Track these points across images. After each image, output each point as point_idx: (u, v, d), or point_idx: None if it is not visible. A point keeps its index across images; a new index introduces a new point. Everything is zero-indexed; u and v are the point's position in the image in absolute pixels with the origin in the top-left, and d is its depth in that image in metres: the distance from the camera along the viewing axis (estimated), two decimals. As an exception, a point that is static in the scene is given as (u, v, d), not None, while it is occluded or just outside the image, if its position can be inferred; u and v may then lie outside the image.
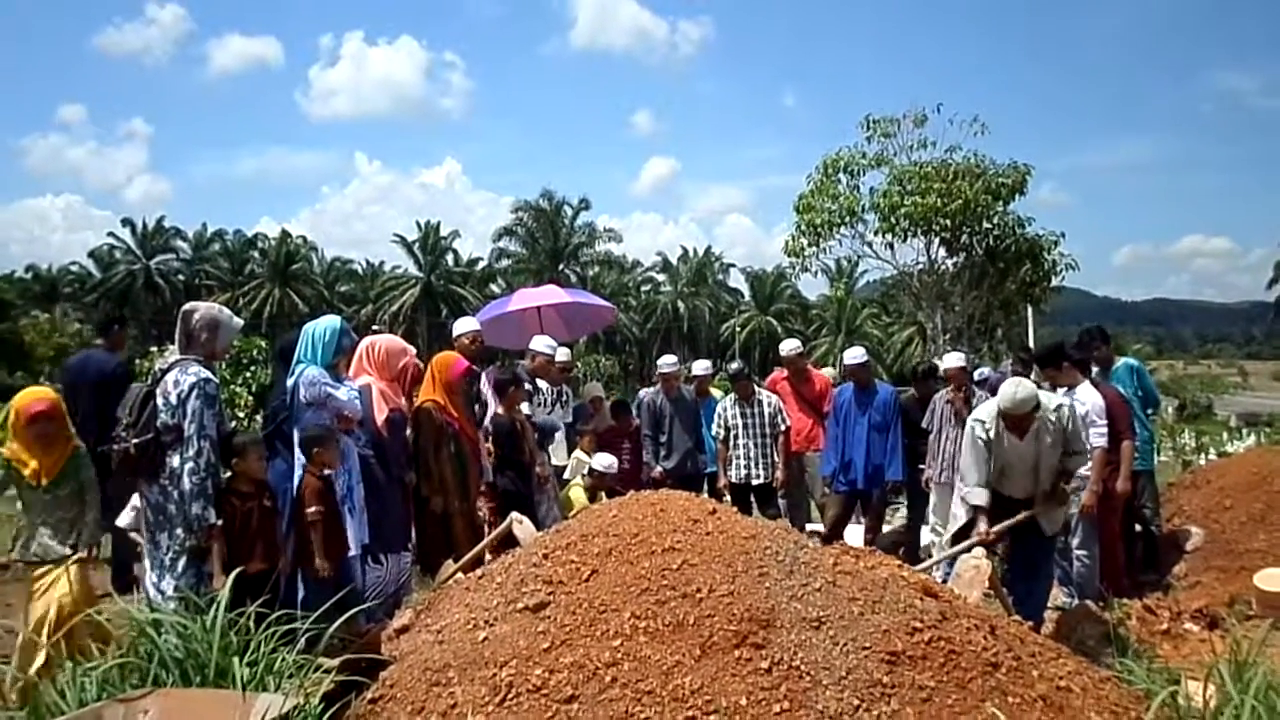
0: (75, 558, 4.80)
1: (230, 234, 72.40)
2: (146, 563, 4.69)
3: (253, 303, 61.16)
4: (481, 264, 67.36)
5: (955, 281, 18.54)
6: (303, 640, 3.55)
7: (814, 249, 18.23)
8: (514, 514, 5.11)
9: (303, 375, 5.20)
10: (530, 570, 3.62)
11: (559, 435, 7.98)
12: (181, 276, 68.49)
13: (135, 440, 4.52)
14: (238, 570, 4.05)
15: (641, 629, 3.14)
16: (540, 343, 8.06)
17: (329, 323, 5.50)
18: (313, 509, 4.92)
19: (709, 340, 66.86)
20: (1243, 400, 59.47)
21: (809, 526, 8.24)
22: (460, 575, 4.50)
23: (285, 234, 70.23)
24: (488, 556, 4.87)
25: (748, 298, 71.63)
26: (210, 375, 4.72)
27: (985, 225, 17.47)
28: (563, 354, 8.61)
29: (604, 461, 7.60)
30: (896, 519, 9.04)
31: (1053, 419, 5.54)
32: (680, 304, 67.48)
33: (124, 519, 5.76)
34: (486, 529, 6.01)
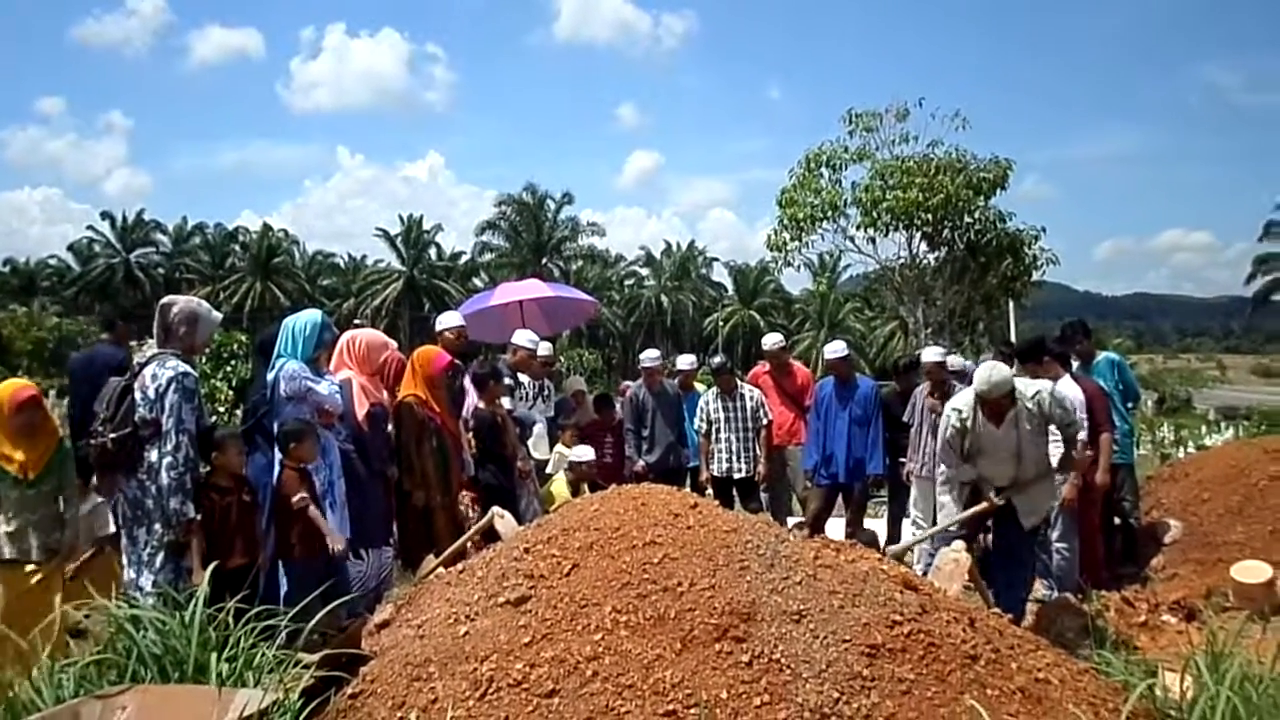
0: (59, 558, 4.70)
1: (211, 227, 72.03)
2: (124, 559, 4.66)
3: (234, 296, 60.85)
4: (464, 258, 67.25)
5: (937, 276, 18.61)
6: (283, 636, 3.54)
7: (796, 243, 18.26)
8: (495, 508, 5.10)
9: (283, 370, 5.17)
10: (511, 564, 3.62)
11: (539, 429, 7.97)
12: (161, 270, 68.06)
13: (113, 435, 4.48)
14: (215, 564, 4.03)
15: (622, 623, 3.14)
16: (522, 337, 8.05)
17: (310, 317, 5.47)
18: (298, 496, 4.90)
19: (692, 334, 66.93)
20: (1221, 394, 59.99)
21: (790, 520, 8.26)
22: (441, 570, 4.48)
23: (267, 227, 69.89)
24: (469, 550, 4.86)
25: (731, 292, 71.73)
26: (189, 369, 4.69)
27: (966, 220, 17.54)
28: (544, 348, 8.60)
29: (581, 453, 7.60)
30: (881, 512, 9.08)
31: (1030, 405, 5.57)
32: (663, 298, 67.54)
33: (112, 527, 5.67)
34: (469, 523, 6.00)
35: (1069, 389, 6.61)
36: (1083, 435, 6.47)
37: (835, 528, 8.02)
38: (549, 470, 7.90)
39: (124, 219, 68.59)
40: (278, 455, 5.07)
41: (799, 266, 19.41)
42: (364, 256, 73.64)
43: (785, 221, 18.04)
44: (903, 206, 17.02)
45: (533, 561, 3.57)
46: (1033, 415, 5.58)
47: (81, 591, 4.35)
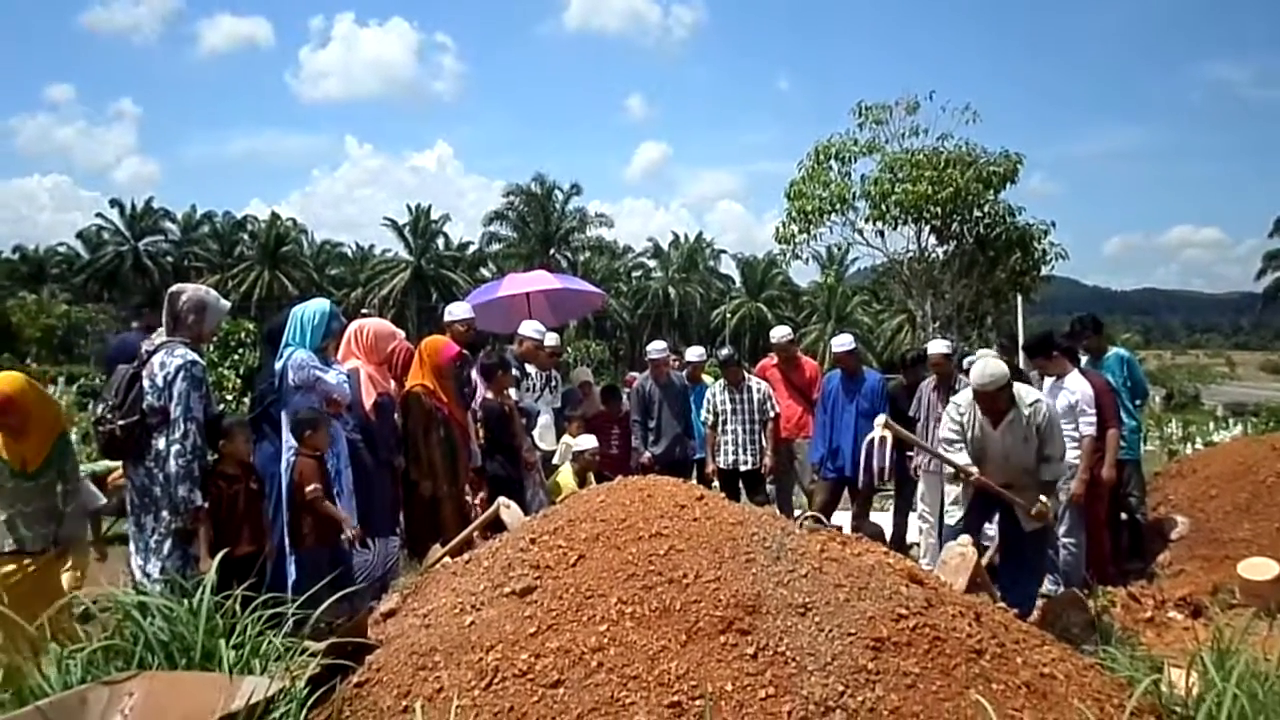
0: (58, 549, 4.57)
1: (219, 216, 72.27)
2: (131, 546, 4.68)
3: (242, 285, 60.96)
4: (472, 248, 67.28)
5: (945, 269, 18.54)
6: (289, 624, 3.55)
7: (805, 236, 18.20)
8: (501, 499, 5.11)
9: (291, 358, 5.19)
10: (517, 555, 3.62)
11: (545, 420, 7.98)
12: (170, 258, 68.24)
13: (121, 422, 4.49)
14: (224, 552, 4.04)
15: (628, 614, 3.14)
16: (529, 327, 8.06)
17: (318, 306, 5.48)
18: (312, 486, 4.92)
19: (699, 326, 66.93)
20: (1229, 390, 59.85)
21: (796, 513, 8.26)
22: (447, 559, 4.49)
23: (275, 216, 70.07)
24: (475, 540, 4.87)
25: (738, 284, 71.70)
26: (197, 357, 4.69)
27: (976, 214, 17.46)
28: (551, 339, 8.61)
29: (584, 442, 7.61)
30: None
31: (1027, 413, 5.54)
32: (671, 290, 67.50)
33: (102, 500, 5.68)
34: (475, 514, 6.01)
35: (1078, 384, 6.60)
36: (1092, 431, 6.47)
37: (841, 521, 8.02)
38: (555, 461, 7.91)
39: (133, 207, 68.83)
40: (286, 444, 5.08)
41: (807, 259, 19.34)
42: (372, 246, 73.96)
43: (794, 214, 17.98)
44: (912, 200, 16.95)
45: (539, 552, 3.57)
46: (1027, 425, 5.55)
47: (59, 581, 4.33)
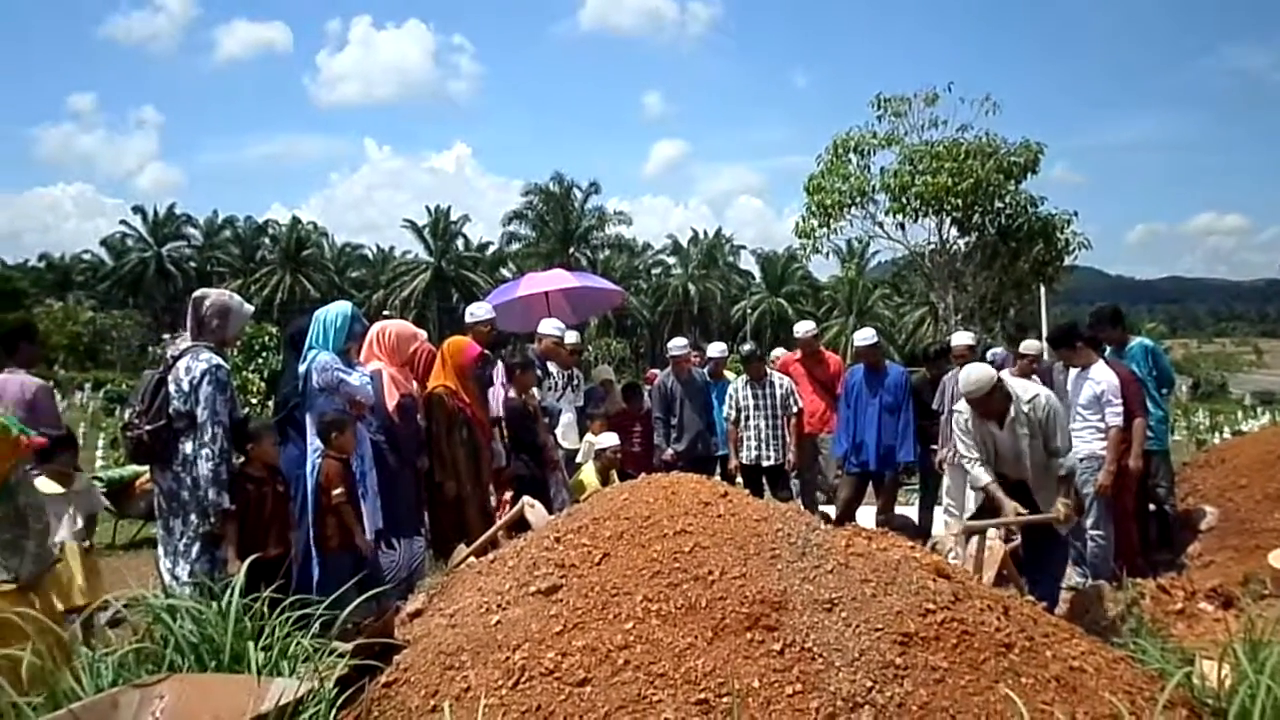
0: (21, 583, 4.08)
1: (241, 221, 72.90)
2: (160, 549, 4.72)
3: (264, 289, 61.37)
4: (492, 248, 67.49)
5: (967, 261, 18.47)
6: (317, 625, 3.57)
7: (825, 230, 18.18)
8: (525, 498, 5.11)
9: (315, 361, 5.21)
10: (542, 554, 3.63)
11: (568, 419, 7.99)
12: (193, 263, 68.82)
13: (148, 427, 4.54)
14: (254, 555, 4.06)
15: (654, 612, 3.14)
16: (549, 325, 8.07)
17: (340, 308, 5.50)
18: (337, 490, 4.95)
19: (720, 322, 66.82)
20: (1257, 378, 59.21)
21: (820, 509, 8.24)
22: (472, 559, 4.50)
23: (296, 220, 70.64)
24: (500, 540, 4.88)
25: (758, 279, 71.56)
26: (221, 362, 4.73)
27: (997, 205, 17.40)
28: (571, 337, 8.61)
29: (606, 440, 7.60)
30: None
31: (1025, 409, 5.49)
32: (691, 286, 67.41)
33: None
34: (499, 514, 6.02)
35: (1103, 374, 6.54)
36: (1119, 421, 6.41)
37: (866, 516, 7.99)
38: (578, 460, 7.92)
39: (155, 213, 69.50)
40: (311, 446, 5.11)
41: (827, 253, 19.32)
42: (392, 248, 74.31)
43: (813, 208, 17.95)
44: (932, 192, 16.89)
45: (564, 551, 3.57)
46: (1029, 421, 5.49)
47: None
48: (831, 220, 17.96)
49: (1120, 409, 6.41)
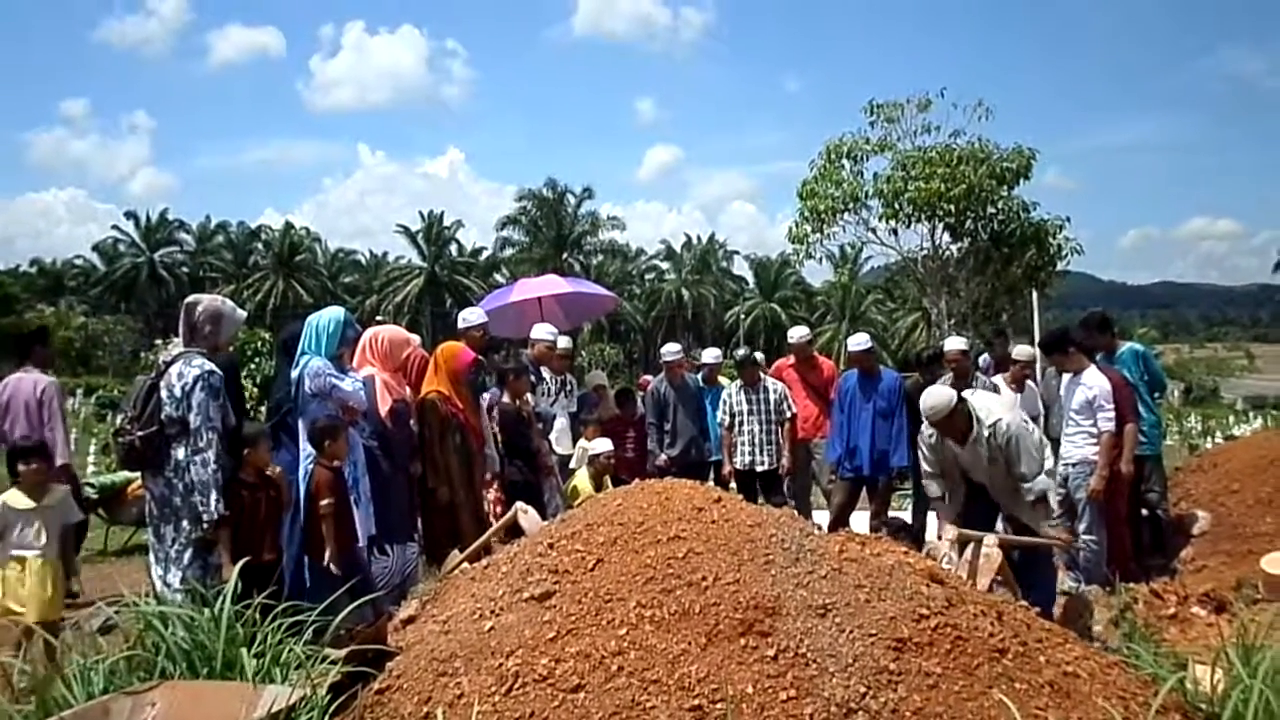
0: None
1: (234, 226, 72.79)
2: (151, 556, 4.70)
3: (256, 294, 61.29)
4: (485, 254, 67.53)
5: (960, 267, 18.52)
6: (310, 631, 3.56)
7: (818, 235, 18.22)
8: (519, 504, 5.10)
9: (307, 367, 5.20)
10: (536, 560, 3.62)
11: (561, 424, 7.98)
12: (185, 269, 68.73)
13: (140, 433, 4.52)
14: (245, 560, 4.05)
15: (647, 618, 3.13)
16: (541, 330, 8.06)
17: (333, 314, 5.50)
18: (325, 501, 4.93)
19: (713, 328, 66.92)
20: (1249, 383, 59.37)
21: (815, 514, 8.23)
22: (466, 565, 4.49)
23: (288, 225, 70.54)
24: (493, 546, 4.87)
25: (752, 285, 71.68)
26: (214, 367, 4.71)
27: (990, 210, 17.45)
28: (563, 342, 8.61)
29: (599, 445, 7.60)
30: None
31: (986, 433, 5.53)
32: (684, 292, 67.51)
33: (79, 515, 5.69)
34: (492, 519, 6.01)
35: (1095, 379, 6.56)
36: (1110, 426, 6.43)
37: (860, 522, 7.98)
38: (572, 465, 7.91)
39: (148, 219, 69.41)
40: (304, 452, 5.10)
41: (820, 259, 19.41)
42: (385, 253, 74.28)
43: (806, 214, 17.99)
44: (925, 197, 16.93)
45: (557, 557, 3.57)
46: (991, 445, 5.53)
47: None
48: (824, 226, 18.00)
49: (1113, 414, 6.43)
